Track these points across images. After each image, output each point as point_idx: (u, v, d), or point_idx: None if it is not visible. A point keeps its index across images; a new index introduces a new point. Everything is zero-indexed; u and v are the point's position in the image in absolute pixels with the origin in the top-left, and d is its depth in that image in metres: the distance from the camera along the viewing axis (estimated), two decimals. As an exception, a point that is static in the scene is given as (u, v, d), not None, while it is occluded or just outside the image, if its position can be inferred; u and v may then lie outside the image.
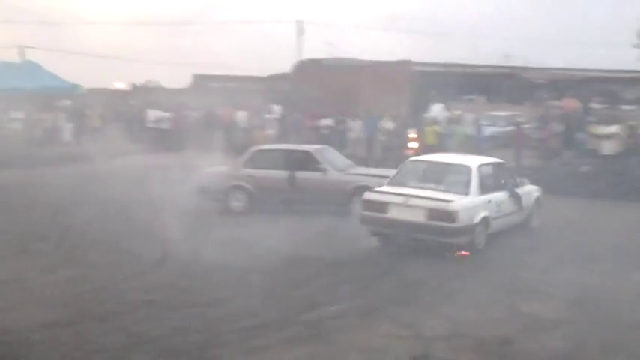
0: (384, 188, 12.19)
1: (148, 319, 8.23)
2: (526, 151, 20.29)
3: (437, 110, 25.73)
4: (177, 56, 76.51)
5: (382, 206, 11.67)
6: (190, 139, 28.06)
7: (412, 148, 22.08)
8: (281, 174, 15.08)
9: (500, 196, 12.24)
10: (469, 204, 11.36)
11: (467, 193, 11.54)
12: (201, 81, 39.49)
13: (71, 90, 29.57)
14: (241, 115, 27.57)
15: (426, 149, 21.87)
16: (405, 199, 11.46)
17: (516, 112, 26.49)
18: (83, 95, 30.62)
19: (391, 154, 22.07)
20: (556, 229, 13.59)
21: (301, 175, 15.00)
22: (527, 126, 21.95)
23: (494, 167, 12.77)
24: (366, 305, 8.84)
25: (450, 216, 11.04)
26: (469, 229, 11.19)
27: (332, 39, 71.46)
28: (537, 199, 13.57)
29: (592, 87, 33.96)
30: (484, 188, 11.85)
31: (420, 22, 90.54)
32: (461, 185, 11.70)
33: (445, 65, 36.56)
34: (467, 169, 11.98)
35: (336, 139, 23.67)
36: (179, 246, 12.00)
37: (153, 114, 28.38)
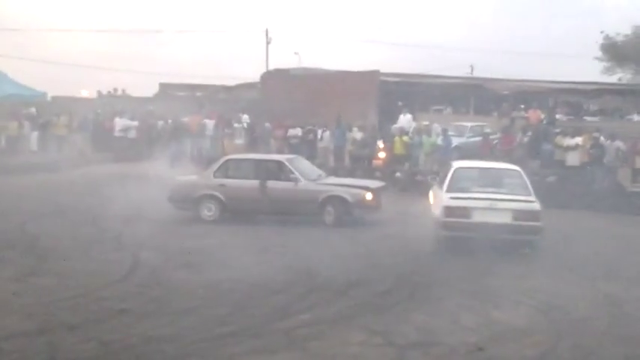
0: (456, 195, 12.44)
1: (121, 328, 8.17)
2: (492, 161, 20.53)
3: (405, 120, 25.89)
4: (144, 65, 76.13)
5: (466, 211, 12.14)
6: (158, 148, 27.97)
7: (381, 158, 22.26)
8: (252, 183, 15.11)
9: None
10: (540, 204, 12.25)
11: (531, 194, 12.39)
12: (168, 90, 39.27)
13: (36, 98, 29.21)
14: (209, 124, 27.47)
15: (394, 159, 22.07)
16: (491, 202, 12.12)
17: (482, 123, 26.76)
18: (48, 103, 30.29)
19: (360, 164, 22.20)
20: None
21: (273, 184, 15.04)
22: (494, 137, 22.19)
23: None
24: (339, 313, 8.87)
25: (534, 216, 12.05)
26: (543, 227, 12.18)
27: (299, 49, 71.63)
28: None
29: (557, 98, 34.45)
30: None
31: (387, 34, 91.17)
32: (522, 188, 12.58)
33: (412, 76, 36.81)
34: (518, 173, 13.05)
35: (306, 148, 23.71)
36: (150, 255, 11.95)
37: (120, 122, 28.13)
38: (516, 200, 12.21)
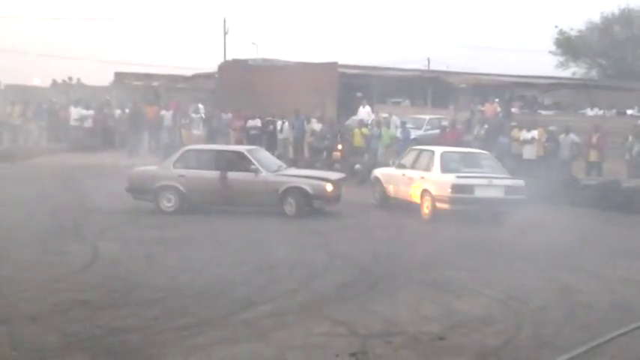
0: (455, 174, 14.57)
1: (83, 319, 8.10)
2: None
3: (364, 112, 26.03)
4: (99, 53, 75.11)
5: (471, 188, 14.33)
6: (115, 137, 27.70)
7: (340, 150, 22.36)
8: (213, 174, 15.06)
9: None
10: None
11: (507, 173, 15.17)
12: (125, 79, 38.80)
13: (-12, 86, 28.73)
14: (167, 114, 27.26)
15: (353, 151, 22.19)
16: (488, 180, 14.53)
17: (440, 116, 27.03)
18: (1, 91, 29.75)
19: (319, 156, 22.27)
20: (477, 230, 13.97)
21: (233, 175, 15.02)
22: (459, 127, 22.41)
23: None
24: (302, 304, 8.92)
25: (521, 190, 14.68)
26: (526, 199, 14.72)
27: (257, 40, 71.37)
28: None
29: (512, 92, 34.97)
30: None
31: (346, 25, 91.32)
32: (499, 168, 15.27)
33: (371, 68, 37.01)
34: (491, 156, 15.89)
35: (265, 140, 23.69)
36: (108, 246, 11.86)
37: (75, 112, 27.75)
38: (505, 178, 14.79)
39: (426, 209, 14.80)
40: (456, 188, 14.24)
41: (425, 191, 14.80)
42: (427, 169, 15.04)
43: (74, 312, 8.35)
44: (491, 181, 14.47)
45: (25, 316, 8.14)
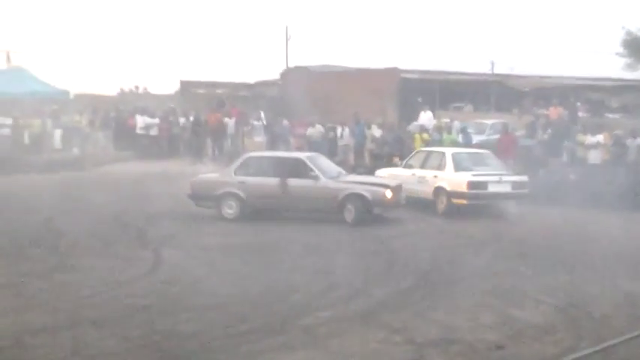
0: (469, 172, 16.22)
1: (143, 324, 8.29)
2: (512, 159, 20.45)
3: (425, 118, 25.85)
4: (166, 62, 76.47)
5: (484, 184, 16.03)
6: (179, 145, 28.19)
7: (399, 156, 22.24)
8: (273, 181, 15.19)
9: None
10: None
11: (510, 169, 17.00)
12: (189, 87, 39.41)
13: (58, 95, 29.49)
14: (229, 122, 27.61)
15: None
16: (498, 177, 16.15)
17: (503, 120, 26.65)
18: (71, 101, 30.55)
19: (379, 162, 22.19)
20: (542, 237, 13.75)
21: (293, 182, 15.11)
22: (517, 133, 22.06)
23: None
24: (359, 311, 8.93)
25: (525, 185, 16.44)
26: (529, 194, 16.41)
27: (320, 46, 71.73)
28: None
29: (578, 95, 34.21)
30: None
31: (408, 30, 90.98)
32: (501, 166, 16.92)
33: (432, 72, 36.73)
34: (493, 155, 17.37)
35: (326, 146, 23.75)
36: (171, 252, 12.10)
37: (141, 120, 28.33)
38: (510, 174, 16.55)
39: (440, 204, 16.30)
40: (472, 185, 15.87)
41: (439, 188, 16.32)
42: (440, 168, 16.71)
43: (135, 317, 8.55)
44: (501, 178, 16.18)
45: (87, 320, 8.37)
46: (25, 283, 10.05)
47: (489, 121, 26.71)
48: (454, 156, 16.84)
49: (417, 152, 18.48)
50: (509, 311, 8.98)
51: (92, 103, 30.61)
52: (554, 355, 7.51)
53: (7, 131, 26.06)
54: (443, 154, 17.16)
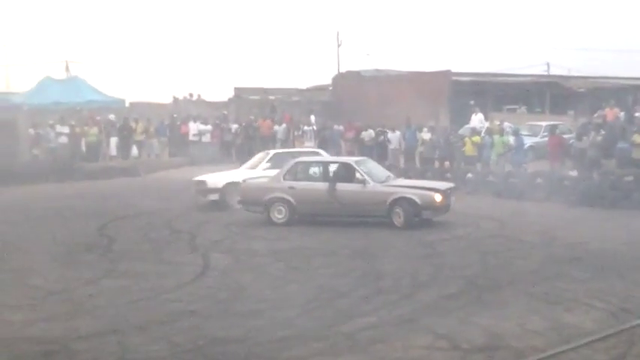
0: None
1: (190, 329, 8.37)
2: (564, 161, 20.09)
3: (477, 120, 25.57)
4: (219, 69, 77.32)
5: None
6: (232, 151, 28.50)
7: (450, 160, 22.07)
8: (321, 185, 15.20)
9: None
10: None
11: None
12: (243, 94, 39.78)
13: (114, 104, 30.11)
14: (280, 128, 27.79)
15: (465, 160, 21.84)
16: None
17: (558, 122, 26.20)
18: (125, 109, 31.15)
19: (430, 166, 22.05)
20: (595, 241, 13.44)
21: (341, 186, 15.09)
22: (568, 135, 21.67)
23: None
24: (404, 316, 8.85)
25: None
26: None
27: (371, 50, 71.61)
28: None
29: (635, 95, 33.41)
30: None
31: (459, 32, 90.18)
32: None
33: (485, 75, 36.36)
34: None
35: (376, 150, 23.69)
36: (219, 257, 12.20)
37: (194, 127, 28.75)
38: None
39: None
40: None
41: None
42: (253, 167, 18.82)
43: (181, 322, 8.65)
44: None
45: (134, 325, 8.50)
46: (75, 289, 10.25)
47: (543, 123, 26.30)
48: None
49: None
50: (559, 317, 8.79)
51: (147, 111, 31.15)
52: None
53: (64, 139, 26.70)
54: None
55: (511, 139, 20.97)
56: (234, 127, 29.13)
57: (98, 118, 28.06)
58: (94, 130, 27.21)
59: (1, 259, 12.26)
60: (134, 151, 27.81)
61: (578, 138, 20.10)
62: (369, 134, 24.94)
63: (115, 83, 56.15)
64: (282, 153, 19.81)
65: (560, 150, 19.59)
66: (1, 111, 26.40)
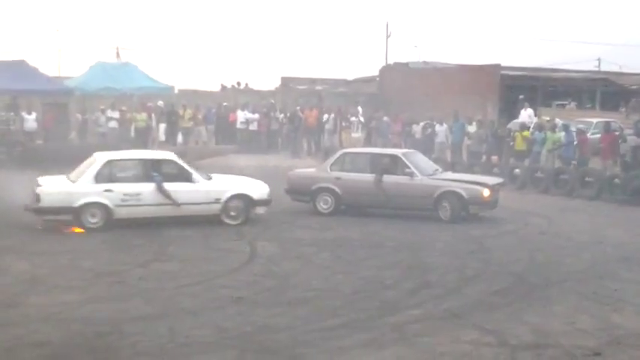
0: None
1: (237, 315, 8.46)
2: (616, 158, 19.75)
3: (526, 115, 25.26)
4: (267, 58, 77.67)
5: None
6: (278, 140, 28.61)
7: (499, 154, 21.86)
8: (368, 177, 15.19)
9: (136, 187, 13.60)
10: None
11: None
12: (290, 83, 39.92)
13: (164, 91, 30.41)
14: (327, 118, 27.80)
15: (514, 155, 21.62)
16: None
17: (609, 119, 25.76)
18: (174, 96, 31.44)
19: (478, 160, 21.87)
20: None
21: (388, 178, 15.06)
22: (618, 133, 21.29)
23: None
24: (451, 310, 8.82)
25: None
26: None
27: (419, 42, 71.15)
28: (240, 197, 14.08)
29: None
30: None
31: (510, 26, 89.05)
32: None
33: (535, 69, 35.92)
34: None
35: (423, 143, 23.57)
36: (266, 245, 12.28)
37: (242, 115, 28.92)
38: None
39: None
40: None
41: None
42: None
43: (229, 308, 8.74)
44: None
45: (184, 310, 8.63)
46: (125, 271, 10.43)
47: (594, 120, 25.89)
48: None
49: None
50: (609, 316, 8.68)
51: (195, 99, 31.42)
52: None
53: (114, 124, 27.08)
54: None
55: (562, 136, 20.68)
56: (281, 116, 29.24)
57: (150, 104, 28.36)
58: (143, 115, 27.51)
59: (54, 241, 12.49)
60: (179, 137, 28.09)
61: (638, 135, 19.74)
62: (418, 128, 24.78)
63: (164, 70, 56.83)
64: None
65: (613, 147, 19.26)
66: (53, 95, 26.80)
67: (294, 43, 78.07)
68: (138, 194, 13.42)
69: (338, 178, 15.43)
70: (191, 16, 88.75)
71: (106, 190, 13.21)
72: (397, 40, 60.48)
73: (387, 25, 48.77)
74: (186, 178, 13.86)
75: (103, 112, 27.17)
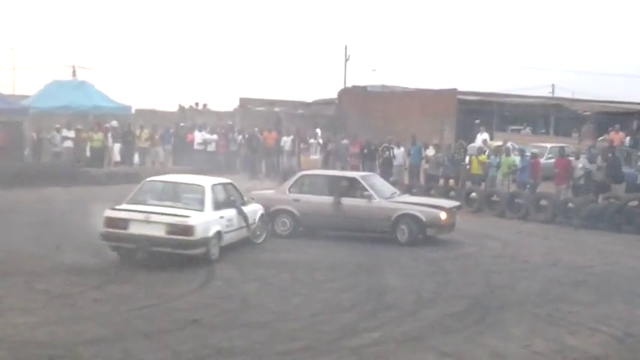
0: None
1: (193, 338, 8.36)
2: (566, 184, 20.08)
3: (481, 140, 25.59)
4: (225, 80, 77.54)
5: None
6: (236, 161, 28.48)
7: (455, 178, 22.07)
8: (327, 199, 15.20)
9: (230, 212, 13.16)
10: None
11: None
12: (248, 104, 39.89)
13: (121, 110, 30.15)
14: (286, 140, 27.81)
15: (470, 178, 21.86)
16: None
17: (563, 144, 26.22)
18: (131, 116, 31.17)
19: (435, 183, 22.06)
20: (600, 264, 13.46)
21: (347, 201, 15.10)
22: (572, 158, 21.70)
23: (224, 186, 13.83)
24: (409, 333, 8.84)
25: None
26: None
27: (377, 66, 71.85)
28: (261, 217, 14.45)
29: (640, 120, 33.47)
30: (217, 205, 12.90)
31: (465, 51, 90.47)
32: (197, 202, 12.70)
33: (491, 95, 36.47)
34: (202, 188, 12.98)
35: (381, 166, 23.70)
36: (224, 267, 12.17)
37: (200, 136, 28.77)
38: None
39: None
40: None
41: None
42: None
43: (185, 331, 8.63)
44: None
45: (138, 333, 8.50)
46: (78, 293, 10.24)
47: (548, 145, 26.33)
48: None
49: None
50: (564, 339, 8.78)
51: (151, 119, 31.18)
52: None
53: (69, 143, 26.71)
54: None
55: (517, 160, 20.98)
56: (239, 137, 29.16)
57: (106, 125, 28.06)
58: (99, 135, 27.22)
59: (7, 262, 12.20)
60: (136, 158, 27.82)
61: (576, 157, 20.10)
62: (373, 149, 24.87)
63: (121, 90, 56.39)
64: None
65: (566, 172, 19.61)
66: (7, 114, 26.36)
67: (253, 64, 78.28)
68: None
69: (296, 200, 15.42)
70: (150, 36, 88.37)
71: None
72: (356, 64, 61.01)
73: (346, 48, 49.18)
74: None
75: (59, 131, 26.78)
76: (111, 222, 12.27)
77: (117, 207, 12.59)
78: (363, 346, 8.32)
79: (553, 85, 54.11)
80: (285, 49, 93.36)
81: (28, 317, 9.03)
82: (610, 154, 19.57)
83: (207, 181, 13.40)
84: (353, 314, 9.62)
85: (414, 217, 14.73)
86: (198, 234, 11.96)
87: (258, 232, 14.34)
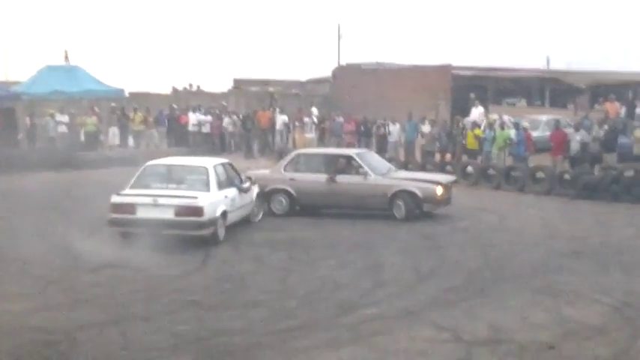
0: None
1: (192, 319, 8.35)
2: (565, 155, 20.05)
3: (477, 113, 25.51)
4: (219, 60, 77.22)
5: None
6: (230, 142, 28.44)
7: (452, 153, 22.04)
8: (322, 177, 15.16)
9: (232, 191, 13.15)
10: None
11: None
12: (242, 85, 39.73)
13: (114, 94, 29.99)
14: (281, 119, 27.74)
15: (466, 153, 21.83)
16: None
17: (558, 116, 26.17)
18: (126, 99, 31.03)
19: (431, 159, 22.03)
20: (599, 235, 13.45)
21: (342, 178, 15.06)
22: (568, 130, 21.64)
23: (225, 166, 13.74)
24: (407, 309, 8.83)
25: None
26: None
27: (371, 43, 71.56)
28: (258, 195, 14.49)
29: (636, 91, 33.39)
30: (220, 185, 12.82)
31: (460, 25, 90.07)
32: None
33: (486, 69, 36.33)
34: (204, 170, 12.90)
35: (377, 142, 23.66)
36: (220, 248, 12.15)
37: (194, 117, 28.70)
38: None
39: None
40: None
41: None
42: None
43: (183, 313, 8.61)
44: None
45: (137, 315, 8.48)
46: (75, 277, 10.21)
47: (544, 117, 26.28)
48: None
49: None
50: (562, 310, 8.78)
51: (146, 101, 31.06)
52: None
53: (64, 128, 26.60)
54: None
55: (512, 133, 20.93)
56: (234, 118, 29.06)
57: (97, 109, 27.89)
58: (93, 119, 27.12)
59: (3, 248, 12.16)
60: (130, 141, 27.74)
61: (576, 129, 20.06)
62: (366, 126, 24.82)
63: (114, 73, 56.09)
64: None
65: (562, 144, 19.59)
66: (0, 100, 26.21)
67: (247, 44, 77.95)
68: None
69: (292, 179, 15.37)
70: (142, 18, 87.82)
71: None
72: (350, 42, 60.61)
73: (339, 26, 48.89)
74: None
75: (52, 116, 26.66)
76: (118, 208, 12.20)
77: (122, 192, 12.50)
78: (360, 322, 8.30)
79: (548, 57, 53.86)
80: (278, 29, 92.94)
81: (25, 303, 8.98)
82: (605, 125, 19.52)
83: (209, 162, 13.42)
84: (350, 291, 9.61)
85: (410, 193, 14.70)
86: (207, 214, 11.96)
87: (256, 211, 14.37)
